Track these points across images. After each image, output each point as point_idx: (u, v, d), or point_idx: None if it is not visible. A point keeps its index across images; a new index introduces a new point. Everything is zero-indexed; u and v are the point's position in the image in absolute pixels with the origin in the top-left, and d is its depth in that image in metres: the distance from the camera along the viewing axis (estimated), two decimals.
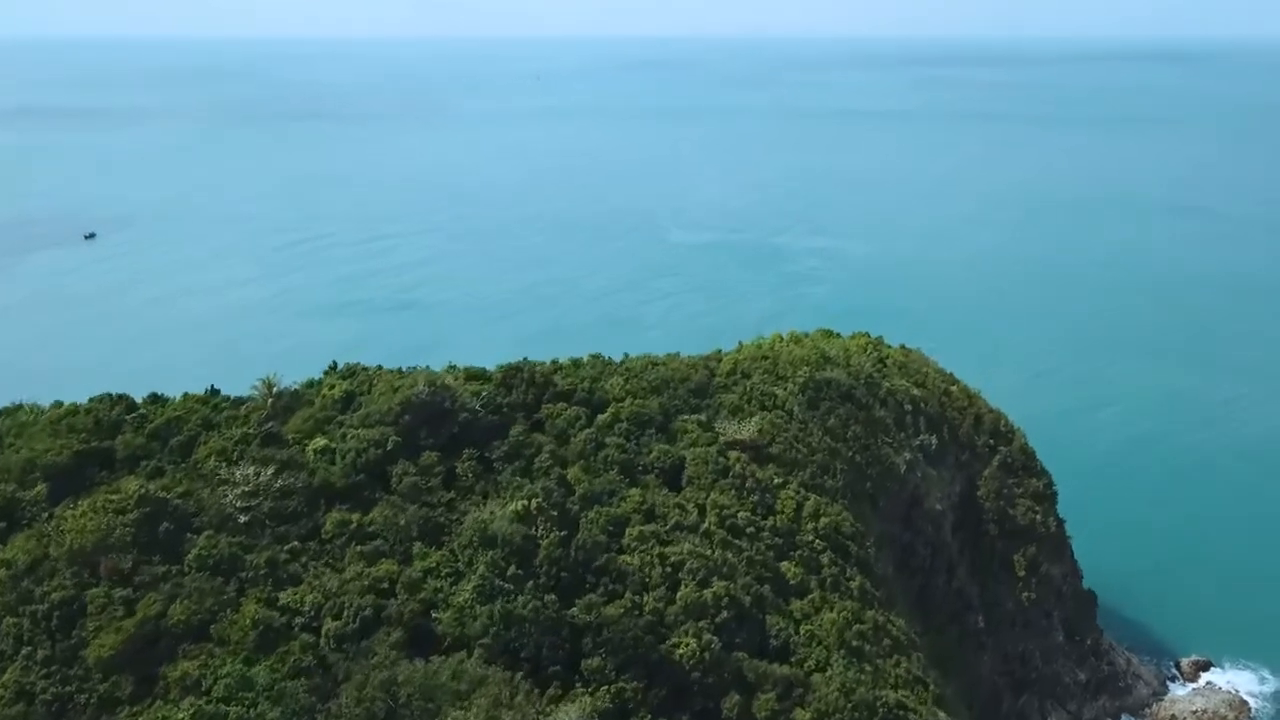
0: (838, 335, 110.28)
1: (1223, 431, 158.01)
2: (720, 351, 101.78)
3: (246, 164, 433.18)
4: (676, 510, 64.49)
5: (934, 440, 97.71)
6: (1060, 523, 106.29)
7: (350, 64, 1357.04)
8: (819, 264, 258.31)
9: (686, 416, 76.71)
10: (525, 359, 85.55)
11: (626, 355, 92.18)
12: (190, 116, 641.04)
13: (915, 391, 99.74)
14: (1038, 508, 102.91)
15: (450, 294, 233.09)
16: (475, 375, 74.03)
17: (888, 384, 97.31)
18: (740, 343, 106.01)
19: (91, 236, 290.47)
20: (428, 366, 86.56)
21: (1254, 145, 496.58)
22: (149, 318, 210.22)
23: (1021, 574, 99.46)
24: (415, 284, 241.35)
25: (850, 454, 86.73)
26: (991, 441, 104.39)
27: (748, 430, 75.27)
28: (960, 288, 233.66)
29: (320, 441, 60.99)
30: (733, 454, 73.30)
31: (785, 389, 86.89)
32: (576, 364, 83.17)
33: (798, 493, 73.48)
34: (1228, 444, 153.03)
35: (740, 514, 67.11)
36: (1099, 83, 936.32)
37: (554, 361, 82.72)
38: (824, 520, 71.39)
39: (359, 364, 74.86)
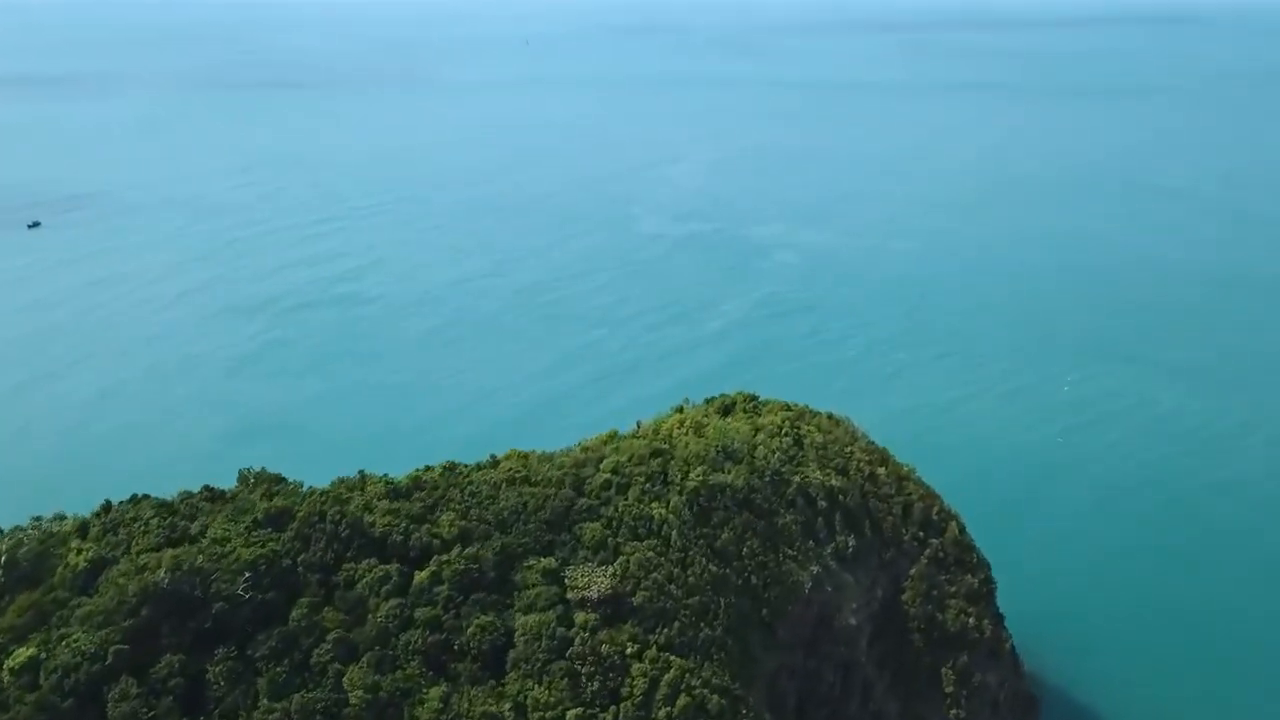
0: (755, 406, 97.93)
1: (1194, 468, 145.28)
2: (615, 434, 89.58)
3: (212, 139, 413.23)
4: None
5: (851, 541, 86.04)
6: (999, 620, 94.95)
7: (334, 26, 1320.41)
8: (772, 254, 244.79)
9: (533, 560, 64.58)
10: (362, 471, 73.52)
11: (493, 455, 79.98)
12: (161, 85, 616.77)
13: (834, 482, 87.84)
14: (971, 609, 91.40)
15: (382, 287, 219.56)
16: (273, 517, 61.52)
17: (799, 478, 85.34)
18: (638, 423, 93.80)
19: (36, 225, 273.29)
20: (266, 466, 74.82)
21: (1238, 119, 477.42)
22: (59, 323, 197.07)
23: (950, 689, 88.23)
24: (349, 275, 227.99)
25: (743, 579, 75.22)
26: (921, 534, 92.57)
27: (600, 584, 63.15)
28: (914, 284, 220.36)
29: (26, 653, 48.78)
30: (580, 616, 61.37)
31: (669, 504, 74.78)
32: (416, 483, 70.58)
33: (657, 660, 61.60)
34: (1194, 486, 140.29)
35: (570, 713, 55.27)
36: (1084, 48, 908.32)
37: (386, 480, 70.10)
38: (683, 701, 59.61)
39: (136, 501, 62.34)
